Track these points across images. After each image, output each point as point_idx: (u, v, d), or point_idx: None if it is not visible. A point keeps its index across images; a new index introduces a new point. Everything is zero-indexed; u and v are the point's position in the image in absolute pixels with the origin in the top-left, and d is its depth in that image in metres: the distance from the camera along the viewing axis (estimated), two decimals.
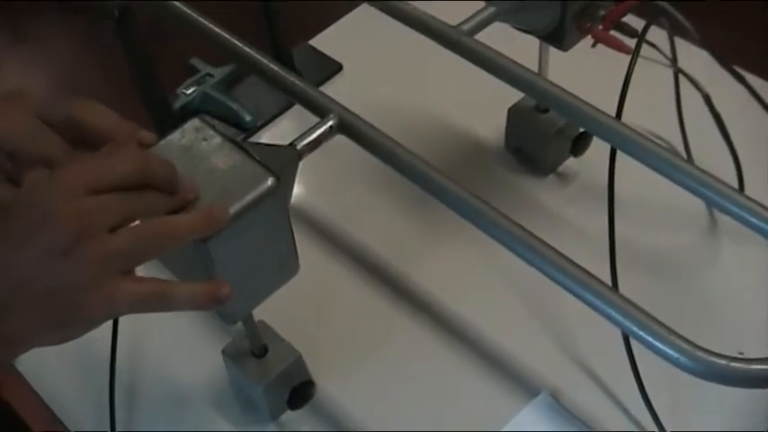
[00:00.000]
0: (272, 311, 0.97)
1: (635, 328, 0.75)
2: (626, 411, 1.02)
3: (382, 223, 1.24)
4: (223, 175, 0.79)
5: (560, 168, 1.26)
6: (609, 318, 0.77)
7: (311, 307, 1.14)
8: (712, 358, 0.72)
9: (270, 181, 0.79)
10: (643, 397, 0.98)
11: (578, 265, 0.79)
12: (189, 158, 0.80)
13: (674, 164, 0.86)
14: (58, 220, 0.67)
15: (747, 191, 0.99)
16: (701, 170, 0.85)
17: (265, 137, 1.36)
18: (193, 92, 1.37)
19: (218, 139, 0.82)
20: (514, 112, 1.24)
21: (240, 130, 1.36)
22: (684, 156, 1.21)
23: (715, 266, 1.16)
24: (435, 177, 0.88)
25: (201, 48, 1.37)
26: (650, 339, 0.74)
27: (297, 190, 1.25)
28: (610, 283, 0.96)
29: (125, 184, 0.71)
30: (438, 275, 1.17)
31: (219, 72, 1.40)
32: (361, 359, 1.10)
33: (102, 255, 0.68)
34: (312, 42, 1.48)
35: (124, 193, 0.70)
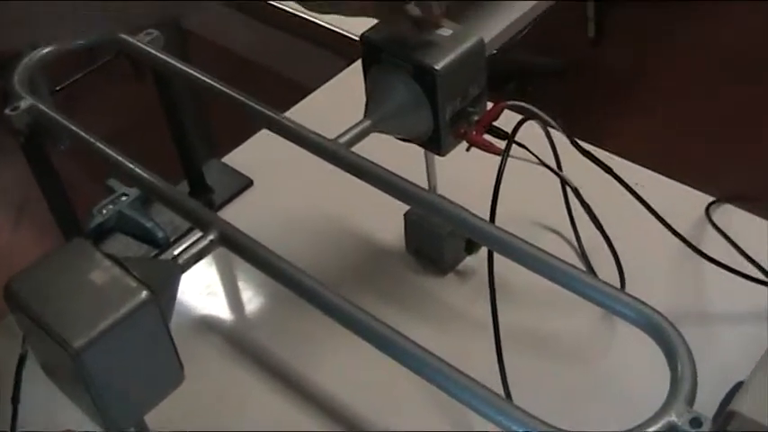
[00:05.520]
0: (168, 416, 1.00)
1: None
2: None
3: (280, 323, 1.28)
4: (99, 290, 0.83)
5: (460, 266, 1.30)
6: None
7: (211, 412, 1.17)
8: None
9: (144, 294, 0.83)
10: None
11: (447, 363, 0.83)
12: (68, 276, 0.84)
13: (546, 262, 0.91)
14: None
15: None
16: (577, 269, 0.90)
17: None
18: (108, 212, 1.42)
19: (97, 256, 0.86)
20: (409, 216, 1.29)
21: (154, 247, 1.40)
22: (577, 248, 1.27)
23: (611, 349, 1.20)
24: (313, 287, 0.92)
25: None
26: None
27: (197, 293, 1.31)
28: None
29: None
30: (336, 374, 1.21)
31: (134, 191, 1.44)
32: None
33: None
34: (224, 160, 1.54)
35: None
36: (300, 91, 1.68)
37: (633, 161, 1.41)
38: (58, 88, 3.37)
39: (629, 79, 3.52)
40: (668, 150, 2.99)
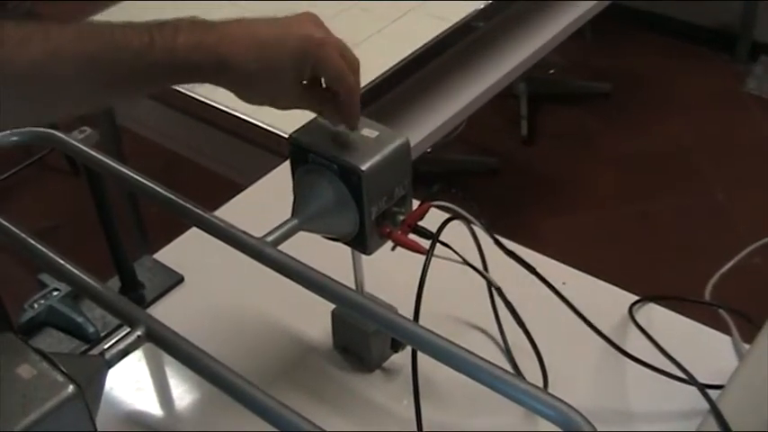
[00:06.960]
0: None
1: None
2: None
3: (208, 419, 1.28)
4: (26, 384, 0.84)
5: (386, 364, 1.32)
6: None
7: None
8: None
9: (71, 389, 0.84)
10: None
11: None
12: None
13: (468, 362, 0.91)
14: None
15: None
16: (498, 368, 0.90)
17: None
18: (39, 306, 1.43)
19: (25, 350, 0.87)
20: (336, 314, 1.31)
21: (85, 342, 1.40)
22: (502, 345, 1.29)
23: None
24: (239, 384, 0.93)
25: None
26: None
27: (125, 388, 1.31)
28: None
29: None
30: None
31: (65, 286, 1.45)
32: None
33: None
34: (156, 256, 1.55)
35: None
36: (234, 188, 1.71)
37: (560, 259, 1.45)
38: None
39: (559, 179, 3.59)
40: (594, 249, 3.05)
